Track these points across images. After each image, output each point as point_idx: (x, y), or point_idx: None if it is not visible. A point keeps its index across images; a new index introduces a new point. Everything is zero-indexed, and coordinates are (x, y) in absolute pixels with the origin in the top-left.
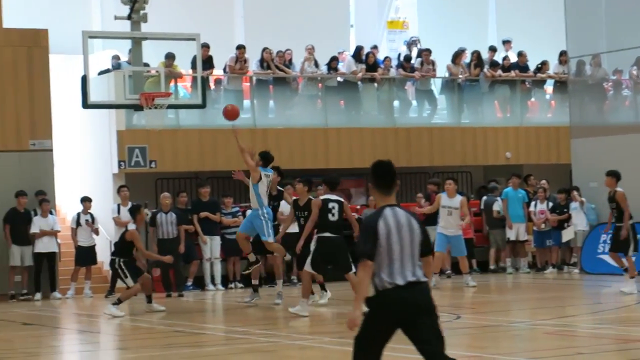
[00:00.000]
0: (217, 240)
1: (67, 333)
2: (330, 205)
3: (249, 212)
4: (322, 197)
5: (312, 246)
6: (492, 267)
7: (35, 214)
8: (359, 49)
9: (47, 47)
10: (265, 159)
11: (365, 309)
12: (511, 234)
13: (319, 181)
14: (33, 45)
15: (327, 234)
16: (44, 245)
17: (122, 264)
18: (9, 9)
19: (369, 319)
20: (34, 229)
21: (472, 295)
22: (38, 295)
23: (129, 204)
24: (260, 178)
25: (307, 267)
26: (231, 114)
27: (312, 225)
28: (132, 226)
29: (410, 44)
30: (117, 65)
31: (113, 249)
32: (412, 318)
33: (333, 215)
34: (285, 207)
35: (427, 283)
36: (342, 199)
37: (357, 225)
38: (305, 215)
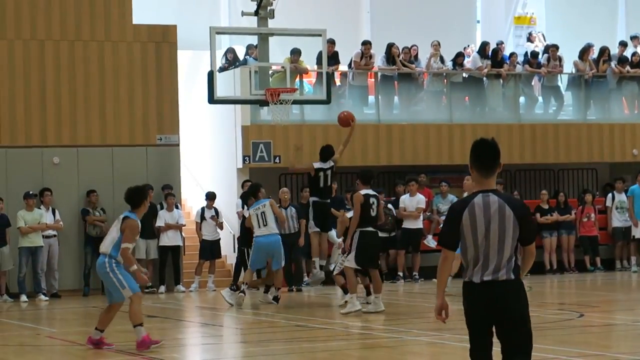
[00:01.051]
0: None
1: (190, 326)
2: (371, 200)
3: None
4: (362, 192)
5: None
6: None
7: (161, 208)
8: (484, 45)
9: (176, 43)
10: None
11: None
12: (637, 232)
13: (443, 177)
14: (161, 41)
15: (370, 228)
16: (169, 239)
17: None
18: (139, 5)
19: (464, 312)
20: (160, 222)
21: (596, 294)
22: (162, 288)
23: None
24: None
25: (350, 263)
26: (344, 121)
27: (357, 222)
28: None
29: (530, 36)
30: (231, 59)
31: (239, 239)
32: (490, 321)
33: (373, 210)
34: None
35: (509, 283)
36: (377, 194)
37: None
38: None
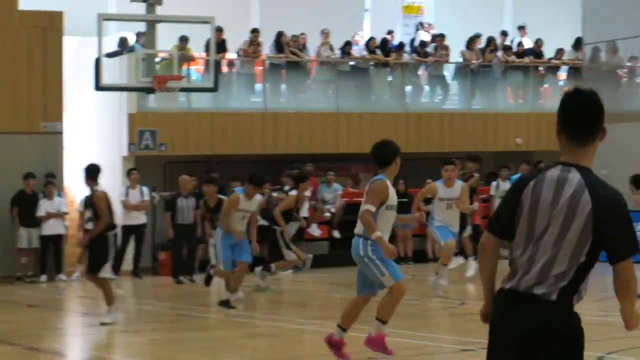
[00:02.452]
0: None
1: (72, 315)
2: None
3: None
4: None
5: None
6: None
7: (44, 196)
8: (369, 40)
9: (62, 30)
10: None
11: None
12: None
13: (329, 166)
14: (48, 28)
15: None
16: (50, 228)
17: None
18: None
19: None
20: (40, 211)
21: (477, 282)
22: (44, 277)
23: (138, 187)
24: None
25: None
26: None
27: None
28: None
29: (420, 25)
30: (123, 47)
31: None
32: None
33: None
34: None
35: (548, 305)
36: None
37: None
38: (218, 217)
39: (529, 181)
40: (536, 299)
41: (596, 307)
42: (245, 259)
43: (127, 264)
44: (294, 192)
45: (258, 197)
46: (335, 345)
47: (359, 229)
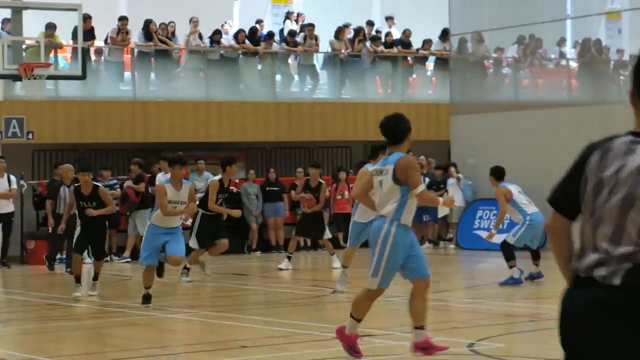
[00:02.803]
0: None
1: None
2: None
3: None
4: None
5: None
6: None
7: None
8: (238, 33)
9: None
10: None
11: None
12: None
13: (199, 154)
14: None
15: None
16: None
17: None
18: None
19: None
20: None
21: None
22: None
23: (5, 176)
24: None
25: None
26: None
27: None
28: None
29: (289, 14)
30: None
31: None
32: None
33: None
34: None
35: (615, 289)
36: None
37: None
38: (93, 205)
39: (593, 150)
40: (596, 283)
41: (464, 294)
42: (178, 253)
43: None
44: (216, 177)
45: (186, 184)
46: (424, 345)
47: (386, 210)
